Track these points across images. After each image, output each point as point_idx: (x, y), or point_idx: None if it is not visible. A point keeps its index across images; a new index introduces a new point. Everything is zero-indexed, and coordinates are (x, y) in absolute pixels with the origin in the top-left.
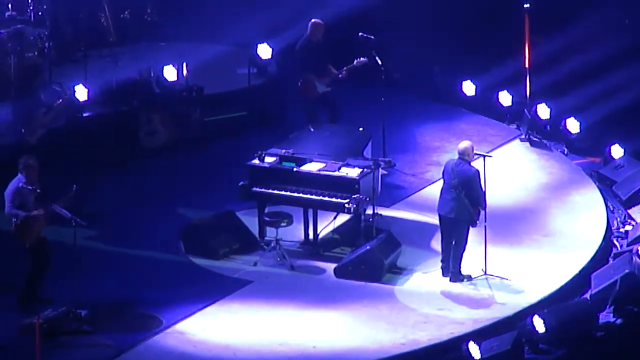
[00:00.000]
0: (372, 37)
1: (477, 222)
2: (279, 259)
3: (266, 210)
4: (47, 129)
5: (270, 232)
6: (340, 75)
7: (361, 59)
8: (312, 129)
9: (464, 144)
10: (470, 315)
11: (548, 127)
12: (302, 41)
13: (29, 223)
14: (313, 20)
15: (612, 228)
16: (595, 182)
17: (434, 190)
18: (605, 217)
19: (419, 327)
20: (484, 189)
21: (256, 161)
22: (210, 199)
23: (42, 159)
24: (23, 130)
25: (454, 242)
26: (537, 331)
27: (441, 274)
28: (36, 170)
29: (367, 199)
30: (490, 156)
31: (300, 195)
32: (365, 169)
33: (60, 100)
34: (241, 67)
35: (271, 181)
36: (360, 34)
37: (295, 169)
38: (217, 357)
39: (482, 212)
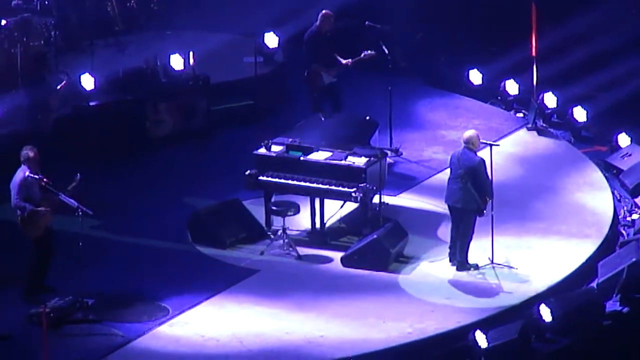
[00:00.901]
0: (379, 25)
1: (484, 211)
2: (285, 248)
3: (273, 200)
4: (55, 115)
5: (277, 222)
6: (347, 64)
7: (369, 51)
8: (322, 118)
9: (469, 132)
10: (477, 304)
11: (555, 116)
12: (311, 32)
13: (36, 216)
14: (323, 11)
15: (619, 217)
16: (602, 171)
17: (440, 179)
18: (612, 206)
19: (425, 316)
20: (490, 178)
21: (263, 150)
22: (217, 188)
23: (49, 148)
24: (39, 117)
25: (460, 232)
26: (543, 320)
27: (448, 261)
28: (38, 161)
29: (374, 187)
30: (497, 145)
31: (307, 184)
32: (371, 158)
33: (63, 84)
34: (248, 56)
35: (278, 170)
36: (366, 22)
37: (302, 158)
38: (224, 346)
39: (489, 202)
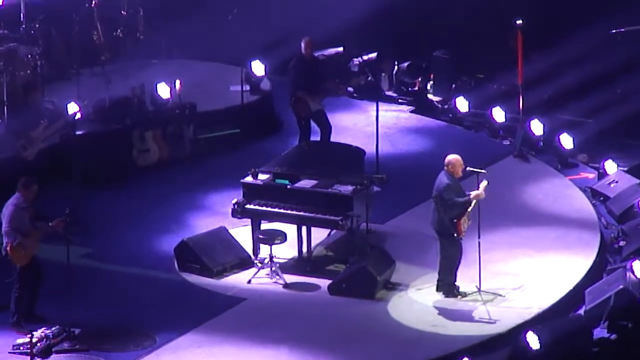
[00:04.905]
0: (365, 55)
1: (456, 234)
2: (272, 277)
3: (260, 228)
4: (44, 145)
5: (264, 250)
6: (339, 87)
7: (355, 79)
8: (306, 147)
9: (450, 157)
10: (465, 331)
11: (541, 143)
12: (296, 59)
13: (24, 246)
14: (305, 38)
15: (606, 244)
16: (589, 198)
17: (427, 207)
18: (599, 233)
19: (412, 344)
20: (468, 205)
21: (249, 179)
22: (204, 216)
23: (35, 177)
24: (24, 148)
25: (441, 254)
26: (531, 347)
27: (436, 289)
28: (33, 192)
29: (361, 215)
30: (483, 172)
31: (294, 212)
32: (358, 186)
33: (61, 120)
34: (234, 84)
35: (265, 198)
36: (354, 60)
37: (288, 186)
38: None
39: (463, 227)
